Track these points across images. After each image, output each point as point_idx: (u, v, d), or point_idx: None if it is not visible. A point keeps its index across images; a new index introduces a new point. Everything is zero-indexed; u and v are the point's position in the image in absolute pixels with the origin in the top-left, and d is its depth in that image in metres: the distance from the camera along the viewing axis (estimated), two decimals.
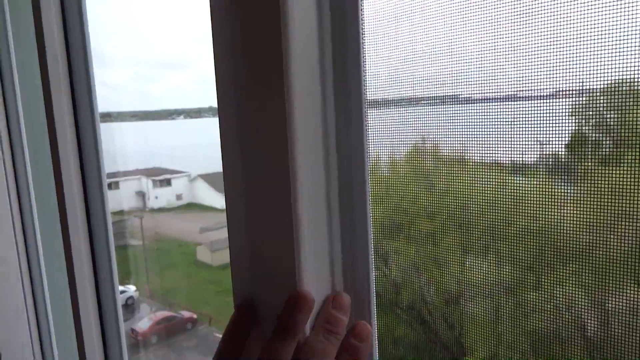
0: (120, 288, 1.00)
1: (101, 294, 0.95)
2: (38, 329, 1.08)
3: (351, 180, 0.45)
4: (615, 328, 0.93)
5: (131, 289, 2.79)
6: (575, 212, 1.10)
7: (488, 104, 0.85)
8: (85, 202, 0.90)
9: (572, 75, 0.75)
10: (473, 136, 1.10)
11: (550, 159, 1.36)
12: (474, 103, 0.84)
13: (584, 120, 1.01)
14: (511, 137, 1.20)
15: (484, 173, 1.40)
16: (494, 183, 1.44)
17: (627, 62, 0.63)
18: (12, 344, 1.04)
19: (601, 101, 0.93)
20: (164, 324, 4.58)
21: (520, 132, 1.00)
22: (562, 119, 0.88)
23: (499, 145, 1.26)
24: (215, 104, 0.45)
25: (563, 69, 0.73)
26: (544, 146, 1.31)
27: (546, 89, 0.78)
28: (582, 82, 0.79)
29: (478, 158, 1.32)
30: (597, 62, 0.69)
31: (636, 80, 0.72)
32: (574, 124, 0.96)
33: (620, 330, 0.91)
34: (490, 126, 0.97)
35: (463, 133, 0.96)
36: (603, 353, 0.96)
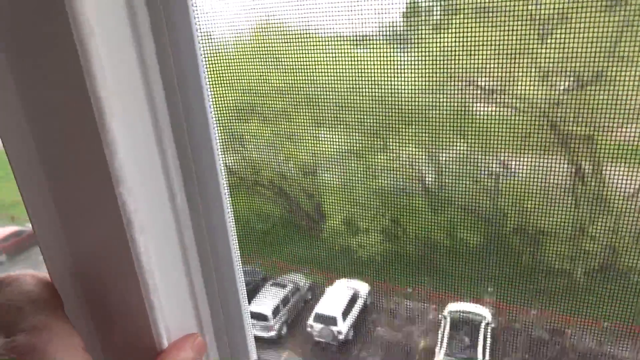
0: None
1: None
2: None
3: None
4: (446, 176, 1.09)
5: None
6: (411, 76, 1.18)
7: None
8: None
9: None
10: (314, 9, 1.07)
11: (389, 28, 1.40)
12: None
13: None
14: (350, 10, 1.20)
15: (328, 46, 1.40)
16: (338, 56, 1.45)
17: None
18: None
19: None
20: (12, 239, 4.11)
21: (358, 3, 1.00)
22: None
23: (339, 18, 1.26)
24: None
25: None
26: (382, 15, 1.34)
27: None
28: None
29: (321, 33, 1.31)
30: None
31: None
32: None
33: (450, 178, 1.07)
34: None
35: (305, 7, 0.94)
36: (439, 197, 1.13)
